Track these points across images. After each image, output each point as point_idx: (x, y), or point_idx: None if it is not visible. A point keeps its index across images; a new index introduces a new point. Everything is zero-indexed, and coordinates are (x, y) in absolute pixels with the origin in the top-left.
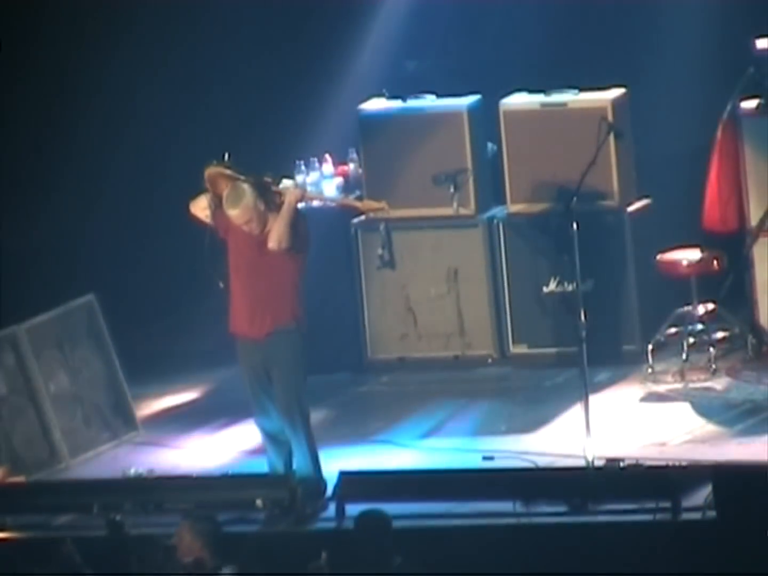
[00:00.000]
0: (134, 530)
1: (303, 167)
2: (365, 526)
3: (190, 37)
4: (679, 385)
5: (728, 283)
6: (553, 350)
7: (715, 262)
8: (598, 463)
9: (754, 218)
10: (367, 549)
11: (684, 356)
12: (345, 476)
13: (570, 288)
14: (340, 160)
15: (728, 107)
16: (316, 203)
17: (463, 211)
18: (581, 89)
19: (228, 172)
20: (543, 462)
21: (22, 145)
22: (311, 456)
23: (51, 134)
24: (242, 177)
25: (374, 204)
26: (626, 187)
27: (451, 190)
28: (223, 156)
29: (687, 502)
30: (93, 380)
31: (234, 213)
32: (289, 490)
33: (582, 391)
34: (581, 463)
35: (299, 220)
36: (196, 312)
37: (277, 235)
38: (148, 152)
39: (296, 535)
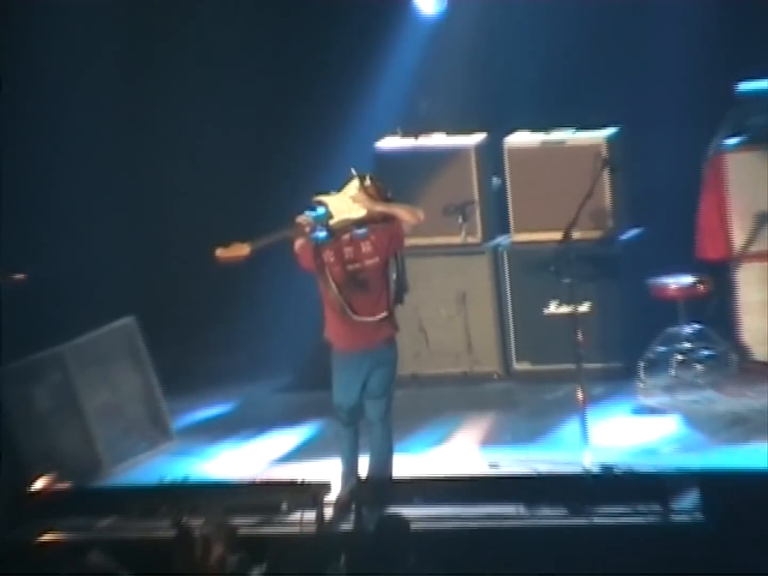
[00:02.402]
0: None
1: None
2: (386, 528)
3: (222, 79)
4: (668, 399)
5: (713, 306)
6: (553, 367)
7: (701, 286)
8: (595, 470)
9: (737, 246)
10: (385, 550)
11: (673, 372)
12: (361, 482)
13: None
14: None
15: (714, 144)
16: None
17: (470, 240)
18: (579, 128)
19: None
20: (544, 469)
21: (64, 181)
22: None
23: (90, 171)
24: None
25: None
26: (620, 218)
27: (460, 220)
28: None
29: (676, 506)
30: (132, 395)
31: None
32: (312, 497)
33: (580, 404)
34: (579, 469)
35: None
36: (228, 333)
37: None
38: (180, 186)
39: (318, 538)
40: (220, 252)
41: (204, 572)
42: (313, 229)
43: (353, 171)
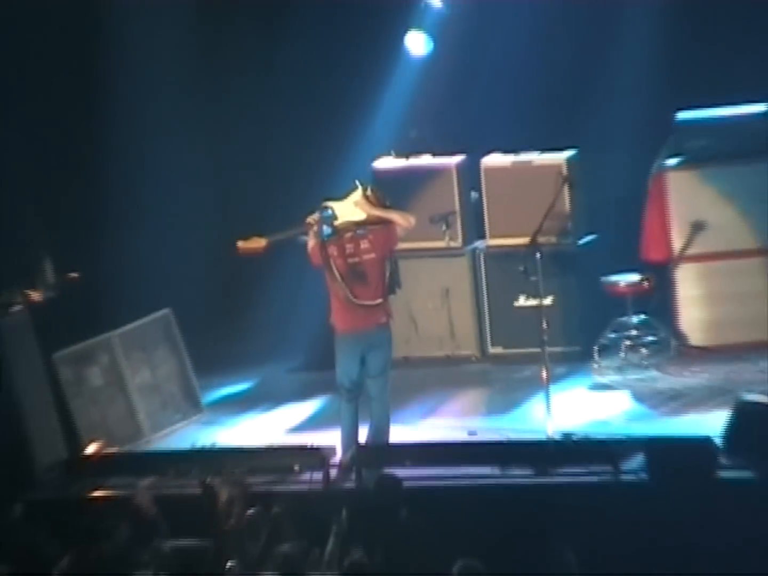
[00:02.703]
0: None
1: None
2: (382, 486)
3: (255, 105)
4: (618, 377)
5: (656, 299)
6: (522, 350)
7: (646, 282)
8: (557, 437)
9: (676, 249)
10: (382, 504)
11: (622, 355)
12: (362, 448)
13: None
14: None
15: (657, 164)
16: None
17: (452, 244)
18: (543, 150)
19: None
20: (514, 436)
21: (110, 192)
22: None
23: (129, 183)
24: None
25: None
26: (578, 225)
27: (444, 227)
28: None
29: (625, 467)
30: (169, 374)
31: None
32: (320, 460)
33: (544, 381)
34: (543, 437)
35: None
36: (248, 322)
37: None
38: (208, 197)
39: (325, 493)
40: (240, 244)
41: (224, 523)
42: (321, 227)
43: (357, 182)
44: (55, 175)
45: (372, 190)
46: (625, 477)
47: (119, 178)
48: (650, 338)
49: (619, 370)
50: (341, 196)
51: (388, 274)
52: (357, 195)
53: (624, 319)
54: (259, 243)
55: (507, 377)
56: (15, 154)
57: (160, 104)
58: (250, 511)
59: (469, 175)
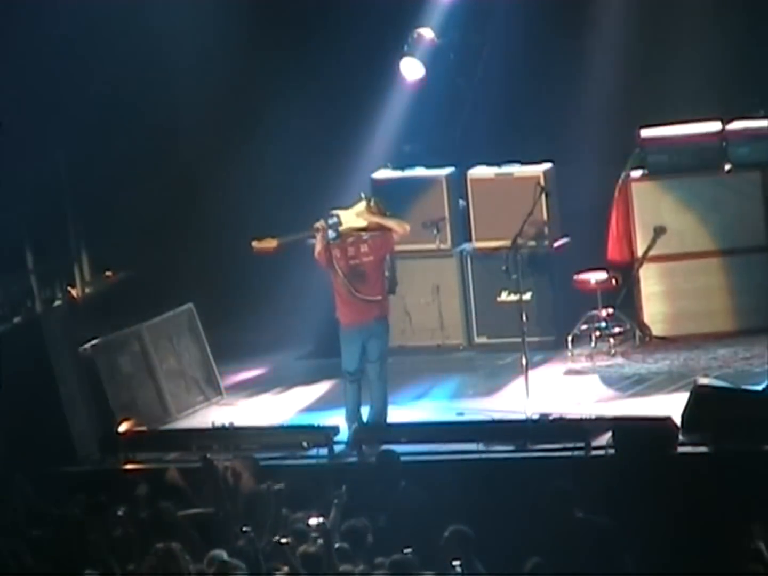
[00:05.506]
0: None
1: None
2: (383, 460)
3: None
4: (589, 364)
5: (622, 295)
6: (504, 340)
7: (613, 280)
8: (535, 417)
9: (639, 251)
10: (382, 476)
11: (593, 344)
12: (362, 426)
13: (515, 298)
14: None
15: (623, 175)
16: None
17: (442, 246)
18: (523, 163)
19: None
20: (497, 416)
21: (139, 200)
22: (385, 396)
23: (153, 190)
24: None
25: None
26: (553, 230)
27: (435, 232)
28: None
29: (595, 444)
30: (192, 361)
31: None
32: (325, 437)
33: (523, 367)
34: (523, 416)
35: None
36: (262, 314)
37: None
38: (222, 210)
39: (328, 467)
40: (255, 243)
41: (235, 494)
42: (327, 232)
43: (362, 194)
44: (96, 180)
45: (374, 202)
46: (594, 453)
47: (152, 187)
48: (617, 329)
49: (590, 357)
50: (347, 206)
51: (386, 274)
52: (361, 206)
53: (594, 312)
54: (271, 243)
55: (491, 364)
56: (58, 156)
57: (182, 115)
58: (262, 485)
59: (457, 185)
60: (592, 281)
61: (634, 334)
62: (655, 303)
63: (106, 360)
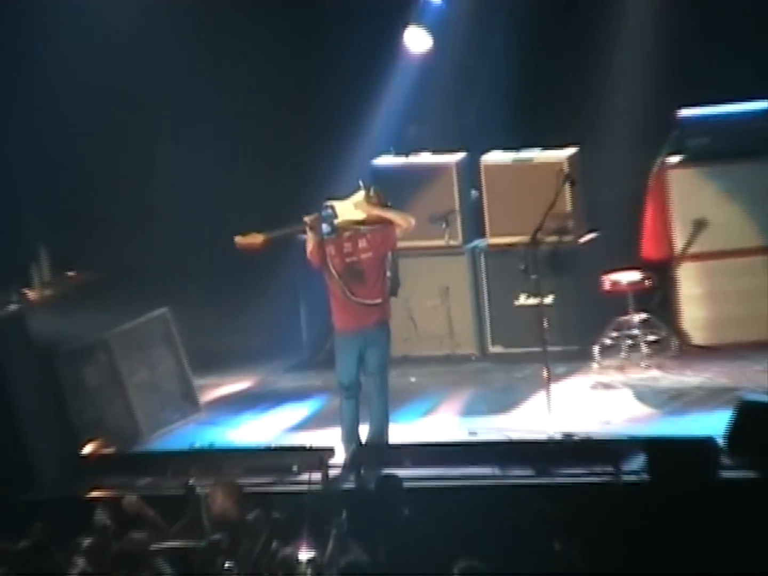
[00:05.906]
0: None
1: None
2: (383, 486)
3: (246, 110)
4: (620, 377)
5: (658, 298)
6: (522, 350)
7: (647, 281)
8: (557, 436)
9: (677, 248)
10: (383, 504)
11: (623, 354)
12: (361, 447)
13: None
14: None
15: (658, 161)
16: None
17: (452, 243)
18: (544, 148)
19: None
20: (515, 436)
21: (104, 195)
22: (387, 410)
23: (130, 186)
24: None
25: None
26: (579, 224)
27: (443, 226)
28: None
29: (626, 468)
30: (166, 373)
31: None
32: (319, 460)
33: (544, 381)
34: (544, 436)
35: None
36: (246, 321)
37: None
38: (201, 200)
39: (324, 495)
40: (238, 239)
41: (218, 523)
42: (320, 225)
43: (361, 182)
44: (54, 173)
45: (375, 191)
46: (625, 477)
47: (118, 177)
48: (651, 337)
49: (620, 369)
50: (344, 196)
51: (387, 274)
52: (359, 195)
53: (625, 318)
54: (256, 239)
55: (507, 376)
56: (13, 151)
57: (163, 102)
58: (250, 515)
59: (469, 173)
60: (624, 282)
61: (671, 343)
62: (694, 307)
63: (68, 372)
